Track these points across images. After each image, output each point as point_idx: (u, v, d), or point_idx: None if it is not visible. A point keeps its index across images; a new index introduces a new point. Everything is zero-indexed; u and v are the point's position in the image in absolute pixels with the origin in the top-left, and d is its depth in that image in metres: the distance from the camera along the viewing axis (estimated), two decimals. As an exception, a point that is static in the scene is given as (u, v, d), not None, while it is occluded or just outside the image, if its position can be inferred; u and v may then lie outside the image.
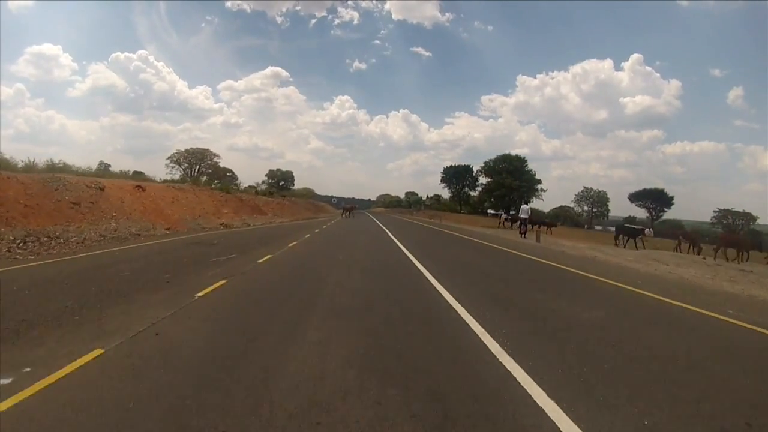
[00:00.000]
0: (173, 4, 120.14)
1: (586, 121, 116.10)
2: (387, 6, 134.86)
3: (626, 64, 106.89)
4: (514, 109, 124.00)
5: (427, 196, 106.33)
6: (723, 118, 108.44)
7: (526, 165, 67.20)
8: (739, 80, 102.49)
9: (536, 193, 66.58)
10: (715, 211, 70.41)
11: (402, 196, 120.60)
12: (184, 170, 73.83)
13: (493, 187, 65.42)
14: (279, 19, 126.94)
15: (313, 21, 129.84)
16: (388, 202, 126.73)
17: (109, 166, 39.96)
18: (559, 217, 78.64)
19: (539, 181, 66.87)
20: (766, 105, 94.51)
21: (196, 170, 76.04)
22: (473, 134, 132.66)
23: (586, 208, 76.18)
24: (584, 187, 75.62)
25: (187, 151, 79.56)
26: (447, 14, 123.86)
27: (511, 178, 64.10)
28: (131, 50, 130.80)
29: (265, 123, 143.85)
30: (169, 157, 77.55)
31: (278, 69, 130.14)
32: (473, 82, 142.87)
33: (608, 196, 75.08)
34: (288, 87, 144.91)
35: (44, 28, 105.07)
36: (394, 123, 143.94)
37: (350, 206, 40.84)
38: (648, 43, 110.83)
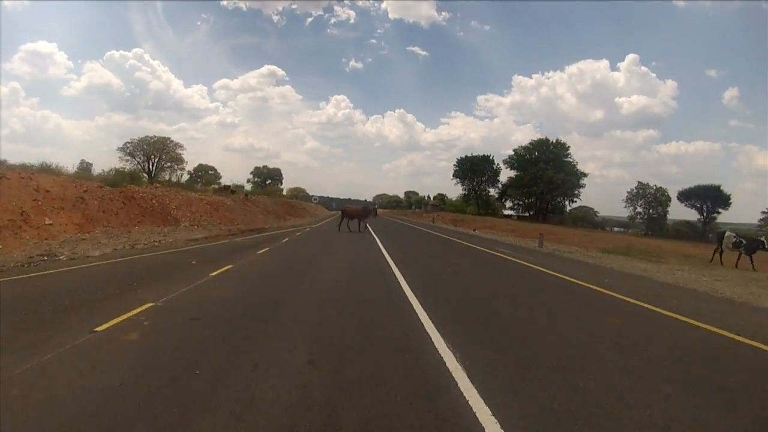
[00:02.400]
0: (169, 2, 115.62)
1: (581, 121, 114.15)
2: (383, 5, 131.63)
3: (622, 65, 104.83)
4: (509, 109, 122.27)
5: (428, 196, 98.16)
6: (718, 118, 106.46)
7: (569, 153, 51.64)
8: (735, 81, 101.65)
9: (578, 190, 51.23)
10: (763, 212, 56.49)
11: (401, 195, 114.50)
12: (140, 163, 58.78)
13: (528, 181, 49.79)
14: (275, 18, 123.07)
15: (309, 19, 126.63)
16: (386, 203, 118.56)
17: (91, 165, 36.12)
18: (584, 220, 65.11)
19: (584, 174, 51.40)
20: (761, 105, 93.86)
21: (155, 163, 60.79)
22: (469, 134, 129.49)
23: (639, 210, 60.59)
24: (639, 182, 59.95)
25: (141, 140, 63.88)
26: (444, 13, 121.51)
27: (551, 170, 48.66)
28: (126, 48, 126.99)
29: (261, 123, 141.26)
30: (120, 148, 61.43)
31: (274, 67, 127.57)
32: (469, 82, 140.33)
33: (669, 194, 59.54)
34: (284, 86, 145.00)
35: (39, 25, 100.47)
36: (390, 123, 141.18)
37: (358, 209, 21.81)
38: (644, 44, 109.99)
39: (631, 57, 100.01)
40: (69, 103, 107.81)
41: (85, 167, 36.46)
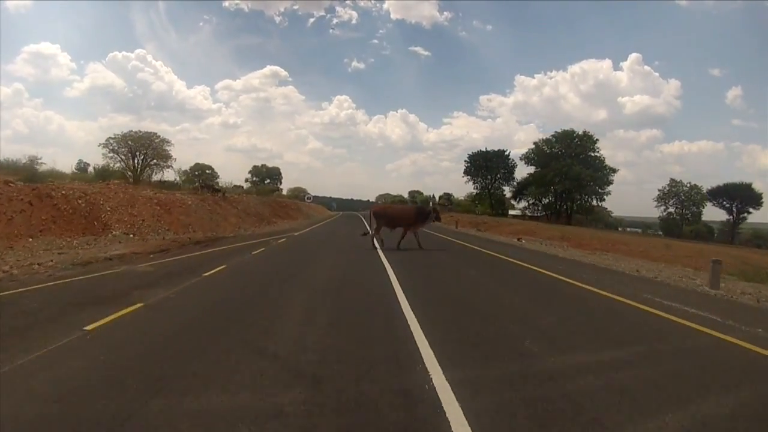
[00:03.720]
0: (171, 3, 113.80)
1: (584, 120, 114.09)
2: (385, 5, 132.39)
3: (625, 64, 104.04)
4: (512, 109, 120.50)
5: (433, 195, 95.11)
6: (721, 118, 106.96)
7: (596, 146, 45.58)
8: (738, 80, 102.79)
9: (607, 188, 45.21)
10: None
11: (404, 195, 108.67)
12: (123, 160, 53.79)
13: (551, 177, 43.87)
14: (277, 19, 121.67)
15: (312, 20, 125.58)
16: (389, 203, 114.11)
17: (89, 165, 35.80)
18: (600, 221, 59.67)
19: (613, 170, 45.34)
20: (765, 104, 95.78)
21: (140, 160, 55.74)
22: (471, 134, 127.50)
23: (671, 210, 54.70)
24: (671, 179, 54.00)
25: (125, 135, 58.97)
26: (445, 13, 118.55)
27: (579, 166, 42.75)
28: (129, 49, 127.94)
29: (264, 123, 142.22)
30: (102, 144, 56.49)
31: (277, 68, 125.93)
32: (471, 82, 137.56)
33: (704, 191, 53.66)
34: (287, 86, 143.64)
35: (42, 26, 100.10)
36: (393, 123, 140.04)
37: (407, 210, 14.53)
38: (647, 43, 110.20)
39: (633, 56, 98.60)
40: (72, 104, 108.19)
41: (82, 167, 36.73)
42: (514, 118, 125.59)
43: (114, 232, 14.51)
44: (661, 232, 55.30)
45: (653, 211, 56.98)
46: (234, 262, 9.11)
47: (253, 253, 10.71)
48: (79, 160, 41.78)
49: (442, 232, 22.81)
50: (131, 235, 14.45)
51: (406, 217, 13.38)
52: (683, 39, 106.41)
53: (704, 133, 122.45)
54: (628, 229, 58.71)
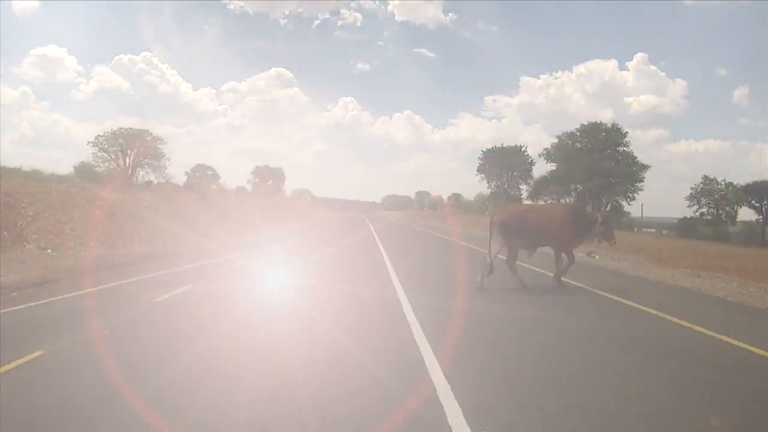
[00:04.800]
0: (176, 5, 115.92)
1: (591, 120, 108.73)
2: (390, 7, 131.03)
3: (631, 64, 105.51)
4: (517, 109, 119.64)
5: (440, 196, 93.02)
6: (728, 117, 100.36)
7: (627, 141, 41.10)
8: (745, 79, 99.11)
9: (638, 184, 40.75)
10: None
11: (411, 196, 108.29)
12: (113, 159, 50.76)
13: (576, 175, 39.59)
14: (282, 21, 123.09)
15: (316, 22, 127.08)
16: (396, 204, 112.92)
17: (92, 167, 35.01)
18: (622, 223, 55.30)
19: (645, 166, 40.78)
20: None
21: (131, 158, 52.57)
22: (477, 135, 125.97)
23: (704, 209, 49.95)
24: (704, 176, 49.20)
25: (115, 132, 55.82)
26: (450, 14, 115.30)
27: (608, 162, 38.41)
28: (135, 52, 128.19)
29: (270, 125, 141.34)
30: (92, 142, 53.34)
31: (282, 70, 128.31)
32: (477, 83, 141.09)
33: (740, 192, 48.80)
34: (292, 88, 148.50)
35: (49, 29, 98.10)
36: (398, 124, 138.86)
37: (560, 215, 8.13)
38: (653, 43, 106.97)
39: (639, 56, 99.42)
40: (78, 107, 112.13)
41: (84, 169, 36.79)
42: (519, 119, 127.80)
43: (28, 245, 10.84)
44: (673, 233, 51.34)
45: (657, 211, 52.89)
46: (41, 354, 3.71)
47: (156, 301, 6.10)
48: (81, 162, 41.58)
49: (479, 243, 15.72)
50: (49, 251, 10.76)
51: (557, 226, 7.66)
52: (689, 38, 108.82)
53: (711, 132, 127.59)
54: (644, 230, 54.71)
